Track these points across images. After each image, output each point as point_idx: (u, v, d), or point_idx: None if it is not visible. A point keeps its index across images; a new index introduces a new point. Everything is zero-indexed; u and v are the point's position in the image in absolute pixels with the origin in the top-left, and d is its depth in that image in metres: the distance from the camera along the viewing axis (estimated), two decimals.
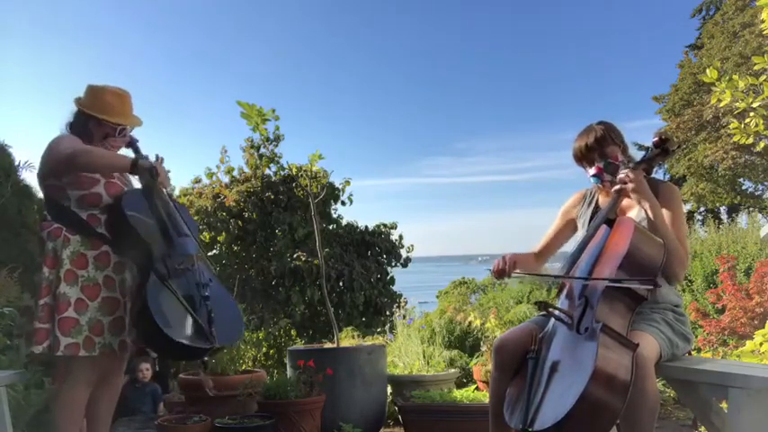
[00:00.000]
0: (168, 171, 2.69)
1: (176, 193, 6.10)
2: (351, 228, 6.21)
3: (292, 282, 5.55)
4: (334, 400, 3.66)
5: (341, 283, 5.77)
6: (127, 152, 2.73)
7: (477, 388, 4.45)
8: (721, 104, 4.23)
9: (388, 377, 4.19)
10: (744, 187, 19.55)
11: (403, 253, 6.33)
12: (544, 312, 2.21)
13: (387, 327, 5.93)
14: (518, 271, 2.41)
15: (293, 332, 5.71)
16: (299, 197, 5.86)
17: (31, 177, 4.50)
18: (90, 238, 2.51)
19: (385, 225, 6.32)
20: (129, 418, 4.11)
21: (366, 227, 6.25)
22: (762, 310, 4.74)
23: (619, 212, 2.35)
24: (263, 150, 6.06)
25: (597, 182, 2.45)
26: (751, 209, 17.41)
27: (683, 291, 6.71)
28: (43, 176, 2.56)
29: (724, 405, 2.11)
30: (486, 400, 2.58)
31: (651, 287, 2.09)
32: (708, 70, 4.20)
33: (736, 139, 4.32)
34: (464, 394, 4.03)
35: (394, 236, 6.32)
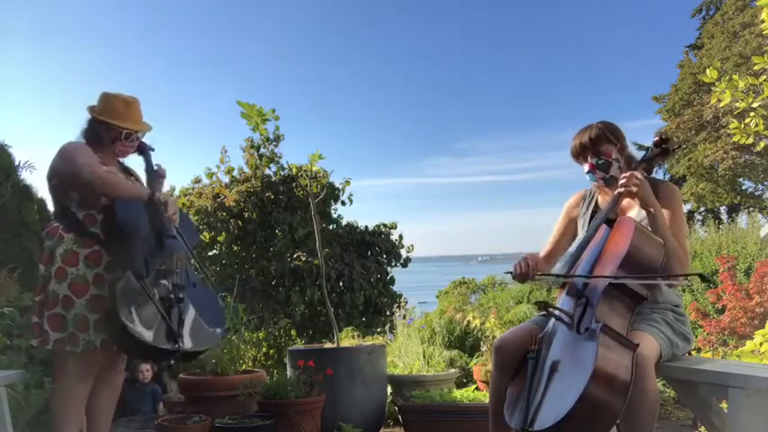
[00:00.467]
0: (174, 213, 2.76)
1: (176, 193, 6.11)
2: (351, 228, 6.21)
3: (292, 282, 5.55)
4: (334, 400, 3.66)
5: (341, 283, 5.77)
6: (137, 159, 2.85)
7: (477, 388, 4.44)
8: (721, 104, 4.23)
9: (388, 377, 4.19)
10: (744, 187, 19.56)
11: (403, 253, 6.33)
12: (544, 312, 2.21)
13: (387, 327, 5.93)
14: (540, 273, 2.36)
15: (293, 332, 5.71)
16: (299, 197, 5.86)
17: (31, 177, 4.51)
18: (83, 236, 2.58)
19: (385, 225, 6.32)
20: (128, 418, 4.11)
21: (366, 227, 6.25)
22: (762, 310, 4.74)
23: (619, 212, 2.35)
24: (263, 150, 6.06)
25: (592, 179, 2.46)
26: (751, 209, 17.42)
27: (683, 291, 6.71)
28: (50, 177, 2.65)
29: (724, 405, 2.11)
30: (486, 400, 2.58)
31: (645, 291, 2.09)
32: (708, 70, 4.20)
33: (736, 139, 4.32)
34: (464, 394, 4.03)
35: (394, 236, 6.33)
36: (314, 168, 5.68)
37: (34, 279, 2.60)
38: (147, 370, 4.56)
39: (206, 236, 5.78)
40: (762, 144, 4.27)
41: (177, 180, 7.46)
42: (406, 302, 6.30)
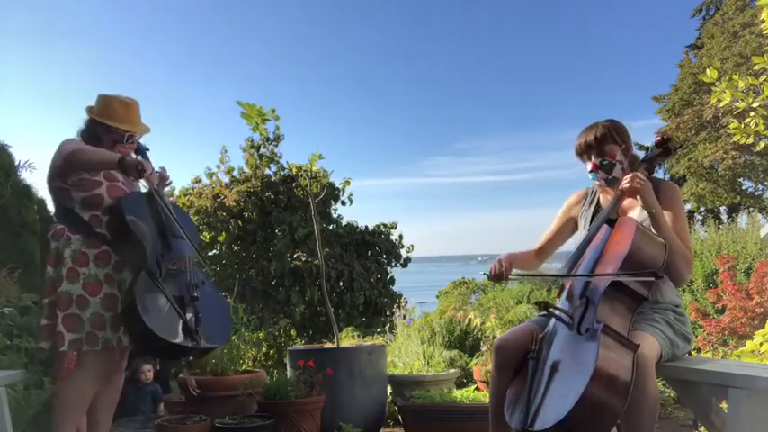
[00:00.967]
0: (170, 182, 2.80)
1: (176, 193, 6.11)
2: (351, 228, 6.21)
3: (292, 282, 5.55)
4: (334, 400, 3.66)
5: (341, 283, 5.77)
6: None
7: (477, 388, 4.44)
8: (721, 104, 4.23)
9: (388, 377, 4.19)
10: (744, 187, 19.55)
11: (403, 253, 6.33)
12: (544, 312, 2.21)
13: (387, 327, 5.93)
14: (515, 272, 2.41)
15: (293, 332, 5.71)
16: (299, 197, 5.86)
17: (31, 177, 4.51)
18: (90, 237, 2.59)
19: (385, 225, 6.32)
20: (129, 418, 4.11)
21: (366, 227, 6.25)
22: (762, 310, 4.74)
23: (620, 212, 2.35)
24: (263, 150, 6.06)
25: (594, 178, 2.46)
26: (751, 209, 17.41)
27: (683, 291, 6.71)
28: (50, 178, 2.65)
29: (724, 405, 2.11)
30: (486, 400, 2.57)
31: (652, 278, 2.07)
32: (708, 70, 4.20)
33: (736, 139, 4.31)
34: (464, 394, 4.03)
35: (394, 236, 6.32)
36: (314, 168, 5.68)
37: (34, 279, 2.60)
38: (148, 370, 4.56)
39: (206, 236, 5.78)
40: (762, 144, 4.27)
41: (177, 180, 7.47)
42: (406, 302, 6.30)
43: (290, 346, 4.80)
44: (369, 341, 4.39)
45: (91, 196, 2.60)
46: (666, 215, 2.26)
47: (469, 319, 5.75)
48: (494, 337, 5.05)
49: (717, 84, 4.15)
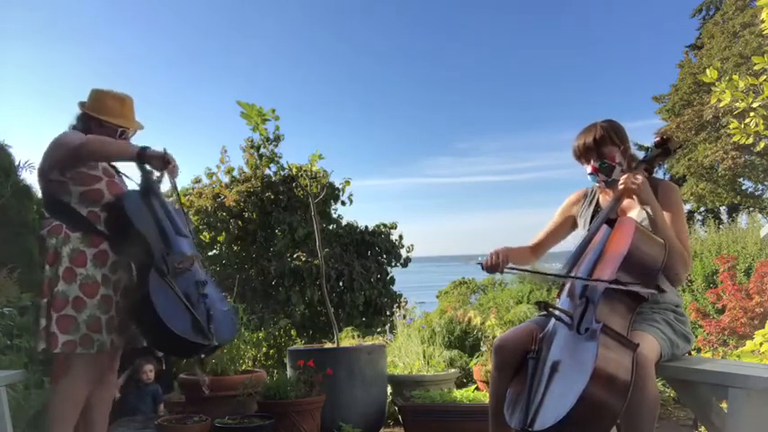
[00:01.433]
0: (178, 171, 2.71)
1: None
2: (351, 228, 6.21)
3: (292, 282, 5.55)
4: (334, 400, 3.66)
5: (341, 283, 5.77)
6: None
7: (477, 388, 4.44)
8: (721, 104, 4.23)
9: (388, 377, 4.19)
10: (744, 187, 19.56)
11: (403, 253, 6.33)
12: (544, 312, 2.21)
13: (387, 327, 5.93)
14: (510, 266, 2.38)
15: (293, 332, 5.71)
16: (299, 197, 5.86)
17: (31, 177, 4.51)
18: (90, 235, 2.52)
19: (385, 225, 6.31)
20: (128, 418, 4.11)
21: (366, 227, 6.25)
22: (762, 310, 4.74)
23: (619, 212, 2.35)
24: (263, 150, 6.06)
25: (594, 180, 2.45)
26: (751, 209, 17.43)
27: (683, 291, 6.71)
28: (47, 171, 2.54)
29: (724, 405, 2.11)
30: (486, 400, 2.57)
31: (655, 291, 2.09)
32: (708, 70, 4.20)
33: (736, 139, 4.31)
34: (464, 394, 4.03)
35: (394, 236, 6.32)
36: (314, 168, 5.68)
37: (34, 279, 2.56)
38: (150, 370, 4.56)
39: (206, 236, 5.78)
40: (762, 144, 4.27)
41: (177, 180, 7.46)
42: (406, 302, 6.30)
43: (290, 346, 4.80)
44: (369, 341, 4.39)
45: (91, 191, 2.52)
46: (665, 215, 2.26)
47: (469, 319, 5.75)
48: (494, 337, 5.05)
49: (717, 84, 4.15)
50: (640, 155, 2.40)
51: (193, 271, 2.61)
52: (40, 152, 2.60)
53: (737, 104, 4.19)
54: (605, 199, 2.50)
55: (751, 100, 4.11)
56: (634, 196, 2.24)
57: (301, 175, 5.76)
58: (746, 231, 7.62)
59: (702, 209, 21.48)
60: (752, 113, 4.13)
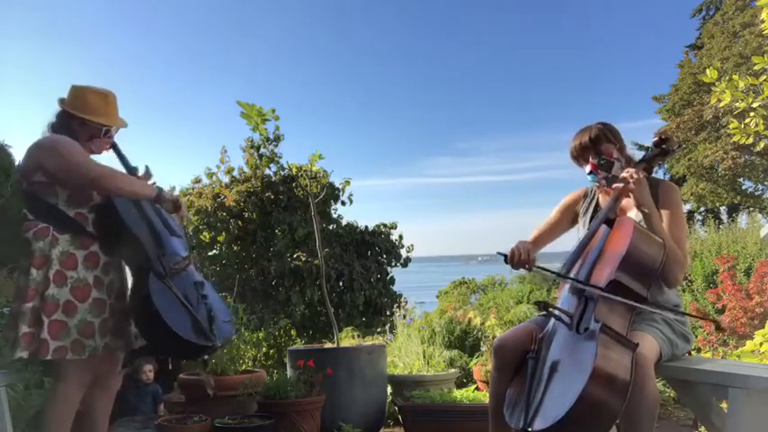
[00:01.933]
0: (154, 182, 2.71)
1: (176, 193, 6.09)
2: (351, 228, 6.21)
3: (292, 282, 5.55)
4: (334, 400, 3.66)
5: (341, 283, 5.76)
6: (109, 154, 2.69)
7: (477, 388, 4.45)
8: (721, 104, 4.23)
9: (388, 377, 4.19)
10: (744, 187, 19.57)
11: (403, 253, 6.32)
12: (544, 312, 2.21)
13: (387, 327, 5.93)
14: (538, 265, 2.35)
15: (293, 332, 5.70)
16: (299, 197, 5.86)
17: None
18: (80, 236, 2.45)
19: (385, 225, 6.31)
20: (128, 418, 4.11)
21: (366, 227, 6.25)
22: (762, 310, 4.74)
23: (618, 212, 2.35)
24: (263, 150, 6.06)
25: (594, 179, 2.45)
26: (751, 209, 17.43)
27: (683, 291, 6.71)
28: (30, 172, 2.45)
29: (724, 405, 2.11)
30: (486, 400, 2.57)
31: (644, 292, 2.09)
32: (708, 70, 4.20)
33: (736, 139, 4.32)
34: (464, 394, 4.03)
35: (394, 236, 6.32)
36: (314, 168, 5.68)
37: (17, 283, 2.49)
38: (149, 370, 4.56)
39: (206, 236, 5.78)
40: (762, 144, 4.27)
41: (177, 180, 7.48)
42: (406, 302, 6.30)
43: (290, 346, 4.80)
44: (369, 341, 4.40)
45: (79, 193, 2.45)
46: (664, 215, 2.26)
47: (469, 319, 5.75)
48: (494, 337, 5.05)
49: (717, 84, 4.15)
50: (640, 155, 2.40)
51: (189, 272, 2.59)
52: None
53: (737, 104, 4.19)
54: (605, 199, 2.50)
55: (751, 100, 4.11)
56: (632, 196, 2.24)
57: (301, 175, 5.76)
58: (746, 231, 7.62)
59: (702, 209, 21.49)
60: (752, 113, 4.13)
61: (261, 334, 4.86)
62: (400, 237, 6.34)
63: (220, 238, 5.81)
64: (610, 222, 2.27)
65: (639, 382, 1.89)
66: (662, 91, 21.86)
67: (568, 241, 2.62)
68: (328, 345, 4.34)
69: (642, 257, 2.12)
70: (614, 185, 2.27)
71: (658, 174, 2.46)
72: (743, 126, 4.23)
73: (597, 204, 2.54)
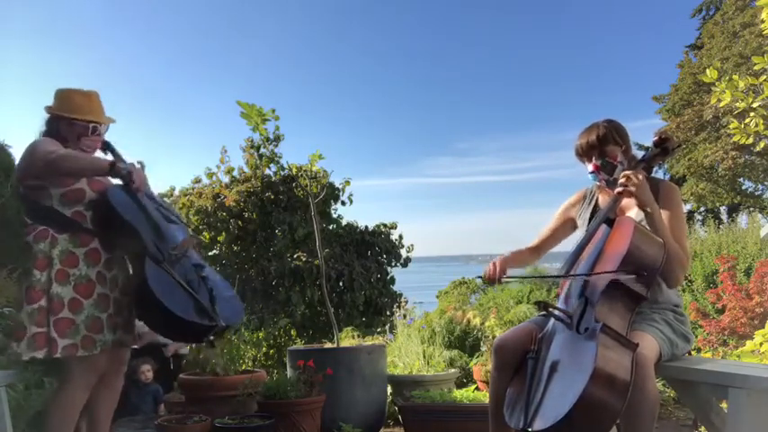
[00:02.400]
0: (143, 166, 2.66)
1: (176, 193, 6.11)
2: (351, 228, 6.21)
3: (292, 282, 5.55)
4: (334, 400, 3.65)
5: (341, 283, 5.76)
6: (102, 155, 2.71)
7: (477, 388, 4.45)
8: (721, 104, 4.23)
9: (388, 377, 4.19)
10: (744, 187, 19.57)
11: (403, 253, 6.33)
12: (544, 312, 2.21)
13: (387, 327, 5.93)
14: (507, 277, 2.44)
15: (293, 332, 5.71)
16: (299, 197, 5.86)
17: None
18: (78, 235, 2.48)
19: (385, 225, 6.31)
20: (129, 418, 4.11)
21: (366, 227, 6.25)
22: (762, 310, 4.74)
23: (618, 212, 2.35)
24: (263, 150, 6.06)
25: (595, 179, 2.45)
26: (751, 209, 17.43)
27: (683, 291, 6.72)
28: (22, 178, 2.52)
29: (724, 405, 2.11)
30: (486, 400, 2.58)
31: (644, 291, 2.09)
32: (708, 70, 4.20)
33: (736, 139, 4.32)
34: (464, 394, 4.03)
35: (394, 236, 6.32)
36: (314, 168, 5.68)
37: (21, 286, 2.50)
38: (147, 370, 4.56)
39: (206, 236, 5.78)
40: (762, 144, 4.27)
41: (177, 180, 7.48)
42: (407, 302, 6.30)
43: (290, 346, 4.80)
44: (369, 341, 4.39)
45: (71, 191, 2.48)
46: (664, 215, 2.25)
47: (469, 319, 5.75)
48: (494, 337, 5.05)
49: (717, 84, 4.15)
50: (640, 154, 2.39)
51: (189, 256, 2.60)
52: None
53: (737, 104, 4.19)
54: (605, 199, 2.50)
55: (751, 100, 4.11)
56: (634, 198, 2.24)
57: (301, 175, 5.76)
58: (746, 231, 7.61)
59: (702, 209, 21.49)
60: (752, 113, 4.13)
61: (261, 334, 4.86)
62: (400, 237, 6.35)
63: (220, 238, 5.81)
64: (609, 222, 2.27)
65: (639, 382, 1.89)
66: (662, 91, 21.89)
67: (568, 241, 2.63)
68: (328, 345, 4.34)
69: (642, 257, 2.12)
70: (616, 190, 2.26)
71: (658, 174, 2.46)
72: (743, 126, 4.23)
73: (597, 204, 2.53)
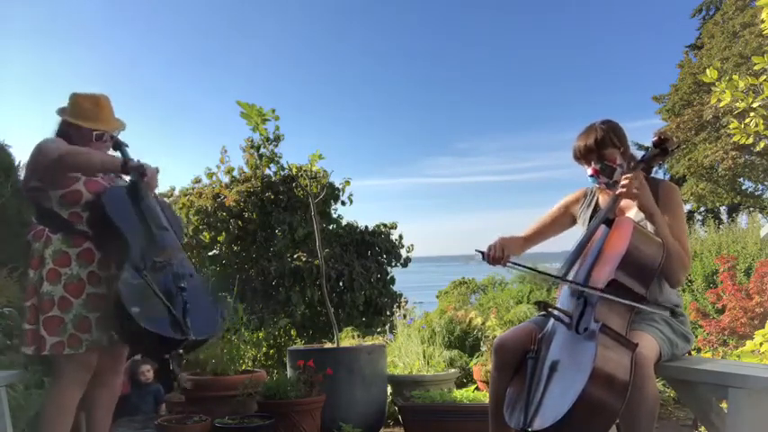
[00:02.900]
0: (157, 170, 2.70)
1: (176, 193, 6.11)
2: (351, 228, 6.21)
3: (292, 282, 5.55)
4: (334, 400, 3.65)
5: (341, 283, 5.76)
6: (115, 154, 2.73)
7: (477, 388, 4.44)
8: (721, 104, 4.23)
9: (388, 377, 4.19)
10: (744, 187, 19.58)
11: (403, 253, 6.33)
12: (544, 312, 2.21)
13: (387, 327, 5.93)
14: (513, 260, 2.39)
15: (293, 332, 5.71)
16: (299, 197, 5.86)
17: None
18: (71, 235, 2.51)
19: (385, 225, 6.31)
20: (129, 418, 4.12)
21: (366, 227, 6.25)
22: (762, 310, 4.74)
23: (618, 212, 2.35)
24: (263, 150, 6.06)
25: (594, 182, 2.45)
26: (751, 209, 17.44)
27: (683, 291, 6.72)
28: (27, 179, 2.56)
29: (724, 405, 2.11)
30: (486, 400, 2.58)
31: (641, 306, 2.09)
32: (708, 70, 4.20)
33: (736, 139, 4.32)
34: (464, 394, 4.03)
35: (394, 236, 6.32)
36: (314, 168, 5.68)
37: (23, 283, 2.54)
38: (147, 370, 4.57)
39: (206, 236, 5.78)
40: (762, 144, 4.27)
41: (177, 180, 7.48)
42: (407, 302, 6.29)
43: (290, 346, 4.80)
44: (369, 341, 4.39)
45: (69, 193, 2.51)
46: (664, 215, 2.25)
47: (469, 319, 5.75)
48: (494, 337, 5.05)
49: (717, 84, 4.15)
50: (640, 154, 2.39)
51: (175, 265, 2.55)
52: None
53: (737, 104, 4.19)
54: (605, 199, 2.49)
55: (751, 100, 4.11)
56: (635, 201, 2.23)
57: (301, 175, 5.76)
58: (746, 231, 7.62)
59: (702, 209, 21.50)
60: (752, 113, 4.13)
61: (261, 334, 4.86)
62: (400, 237, 6.35)
63: (220, 238, 5.81)
64: (609, 222, 2.27)
65: (639, 382, 1.89)
66: (662, 91, 21.90)
67: (568, 241, 2.62)
68: (328, 345, 4.34)
69: (641, 257, 2.12)
70: (617, 192, 2.25)
71: (658, 174, 2.45)
72: (743, 126, 4.23)
73: (597, 204, 2.53)
